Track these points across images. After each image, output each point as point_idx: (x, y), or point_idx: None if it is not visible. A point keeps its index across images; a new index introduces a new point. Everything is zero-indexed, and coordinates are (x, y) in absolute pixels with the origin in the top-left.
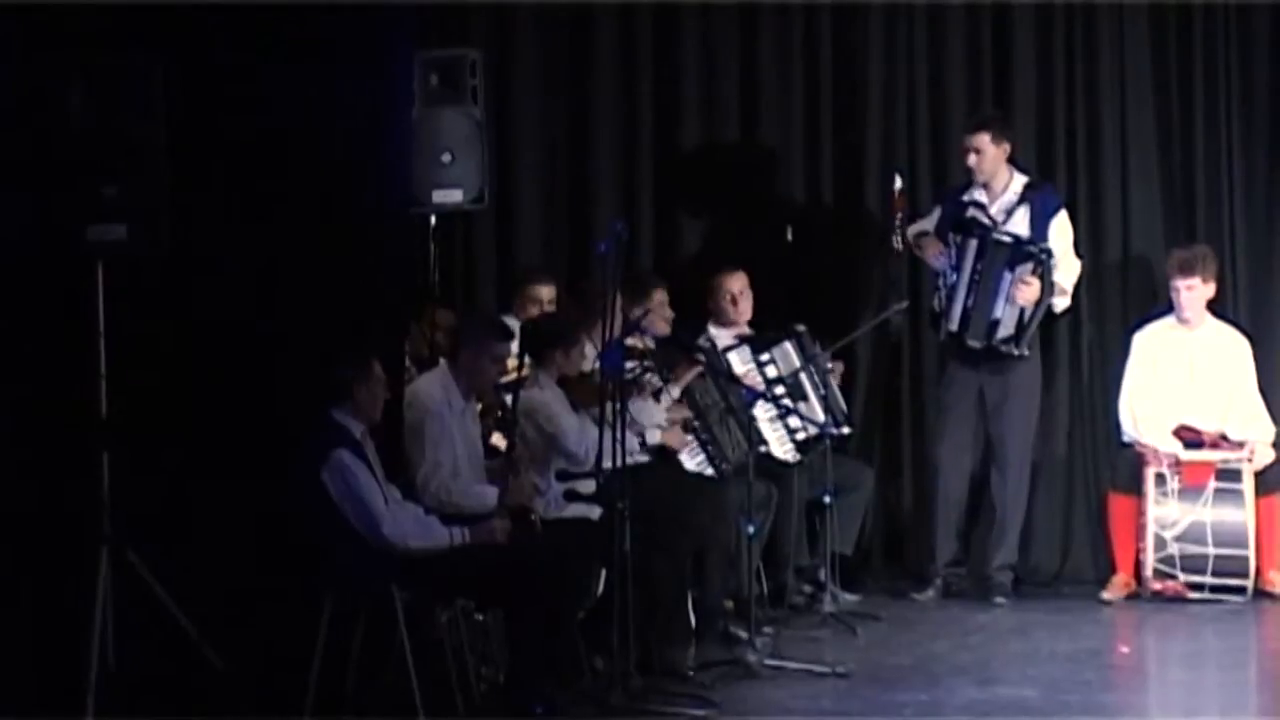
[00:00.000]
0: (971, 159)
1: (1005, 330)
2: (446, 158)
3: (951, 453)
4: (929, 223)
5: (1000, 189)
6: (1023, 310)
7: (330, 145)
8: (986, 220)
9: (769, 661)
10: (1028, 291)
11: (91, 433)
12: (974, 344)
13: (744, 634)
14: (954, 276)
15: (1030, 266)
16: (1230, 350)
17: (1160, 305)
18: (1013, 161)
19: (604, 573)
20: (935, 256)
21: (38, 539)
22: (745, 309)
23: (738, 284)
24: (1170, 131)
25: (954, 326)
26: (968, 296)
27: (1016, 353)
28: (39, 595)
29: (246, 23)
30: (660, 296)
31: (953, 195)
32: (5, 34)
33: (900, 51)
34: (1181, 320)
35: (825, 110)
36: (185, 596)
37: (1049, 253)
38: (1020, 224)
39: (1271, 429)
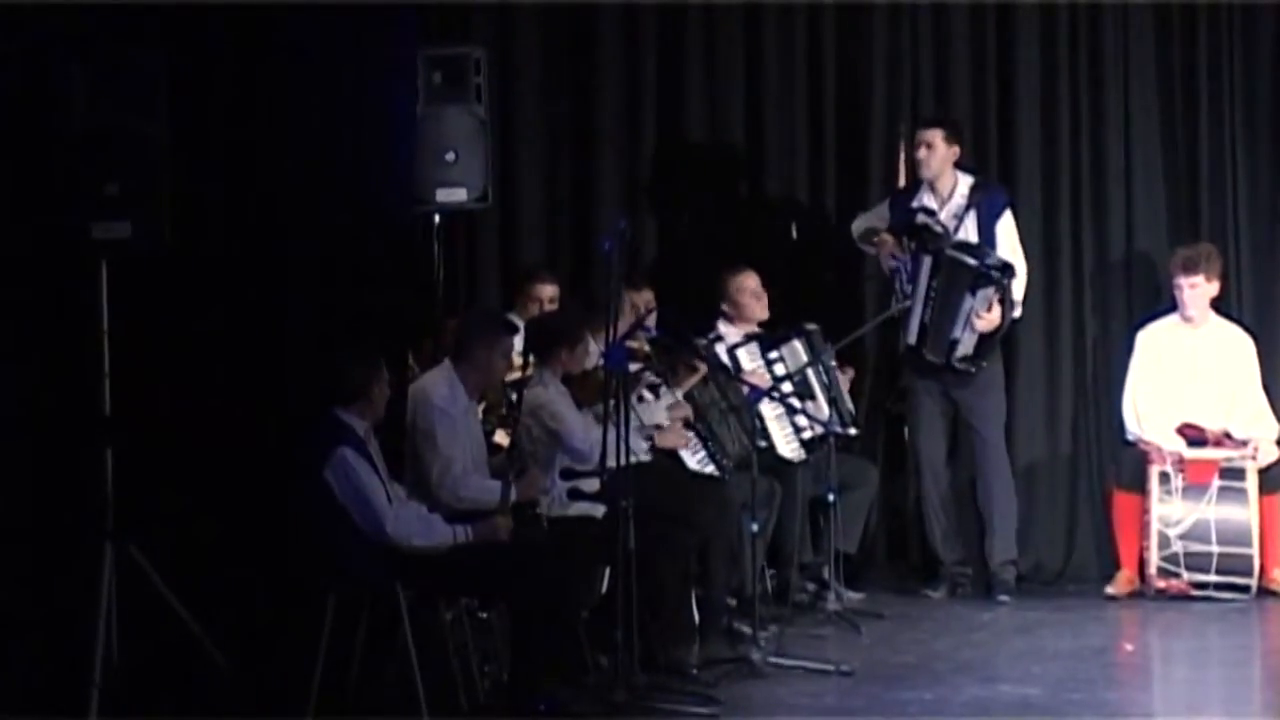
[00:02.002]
0: (922, 152)
1: (964, 350)
2: (450, 156)
3: (929, 457)
4: (877, 219)
5: (947, 193)
6: (981, 334)
7: (334, 143)
8: (938, 228)
9: (772, 659)
10: (989, 319)
11: (95, 429)
12: (933, 359)
13: (748, 631)
14: (909, 287)
15: (991, 292)
16: (1234, 348)
17: (1164, 303)
18: (965, 168)
19: (608, 571)
20: (888, 257)
21: (42, 536)
22: (757, 309)
23: (749, 283)
24: (1174, 130)
25: (912, 340)
26: (924, 312)
27: (974, 370)
28: (43, 592)
29: (249, 20)
30: (646, 296)
31: (901, 200)
32: (8, 31)
33: (904, 51)
34: (1185, 318)
35: (829, 108)
36: (189, 594)
37: (1010, 273)
38: (970, 230)
39: (1275, 427)
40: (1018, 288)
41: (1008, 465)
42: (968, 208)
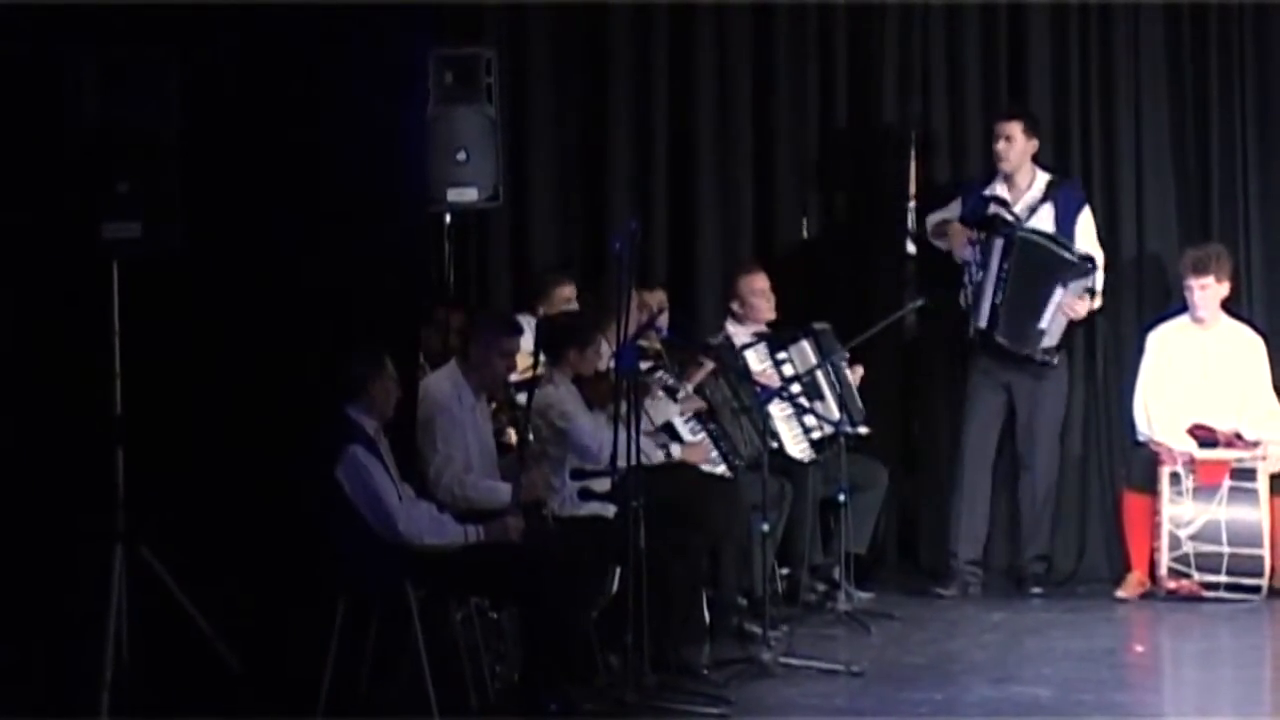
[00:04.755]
0: (1001, 145)
1: (1050, 341)
2: (461, 156)
3: (978, 451)
4: (949, 212)
5: (1025, 185)
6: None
7: (345, 143)
8: (1010, 217)
9: (783, 660)
10: (1081, 308)
11: (106, 429)
12: (1007, 344)
13: (758, 632)
14: (980, 274)
15: (1085, 283)
16: (1245, 349)
17: (1175, 304)
18: (1037, 162)
19: (618, 571)
20: (962, 246)
21: (52, 536)
22: (765, 309)
23: (759, 284)
24: (1185, 130)
25: (982, 324)
26: (995, 294)
27: (1054, 363)
28: (54, 593)
29: (261, 19)
30: (660, 296)
31: (974, 189)
32: (19, 29)
33: (916, 50)
34: (1196, 319)
35: (840, 108)
36: (199, 594)
37: (1094, 263)
38: (1045, 221)
39: None
40: (1098, 278)
41: (1057, 465)
42: (1044, 200)
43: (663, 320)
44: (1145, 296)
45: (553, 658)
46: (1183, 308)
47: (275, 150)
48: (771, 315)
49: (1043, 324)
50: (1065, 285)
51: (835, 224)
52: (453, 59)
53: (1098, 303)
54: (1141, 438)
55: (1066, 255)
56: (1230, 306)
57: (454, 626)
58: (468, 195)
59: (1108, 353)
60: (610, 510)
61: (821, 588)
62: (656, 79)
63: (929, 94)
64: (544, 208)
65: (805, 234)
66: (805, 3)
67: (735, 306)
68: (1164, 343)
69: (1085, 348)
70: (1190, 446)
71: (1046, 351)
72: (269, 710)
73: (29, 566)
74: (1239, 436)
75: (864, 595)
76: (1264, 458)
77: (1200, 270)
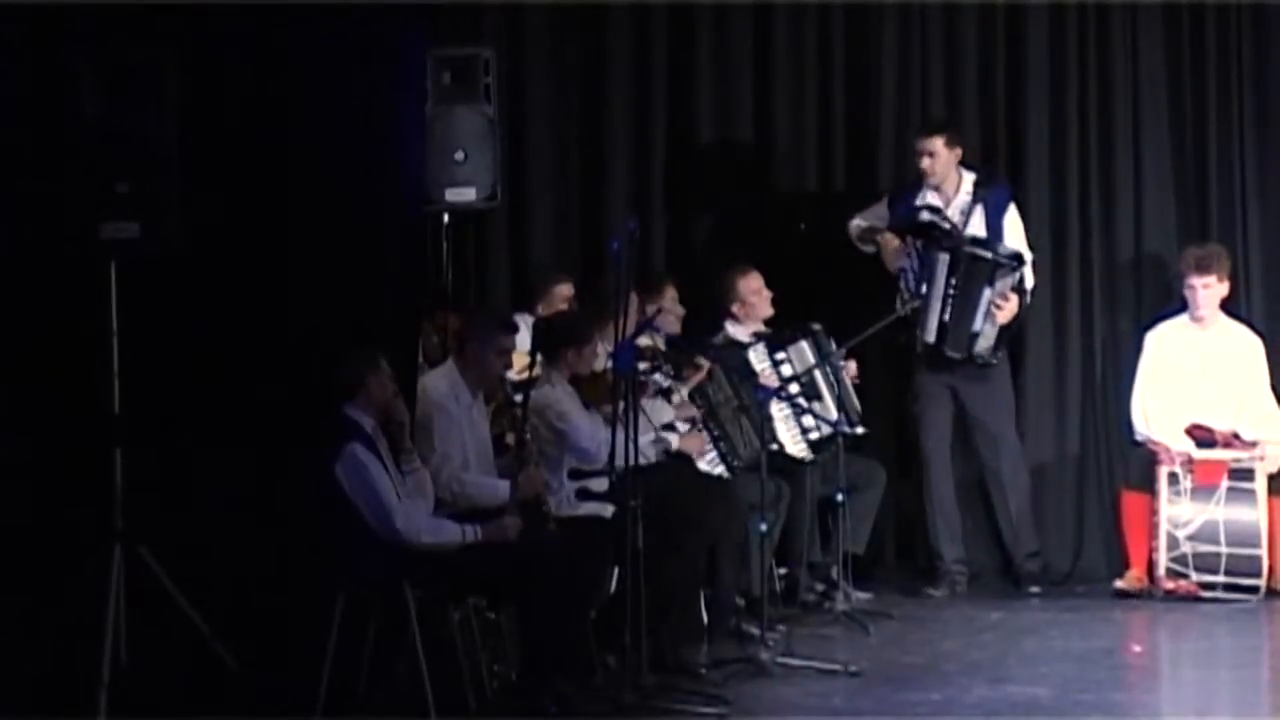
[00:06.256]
0: (925, 162)
1: (985, 343)
2: (459, 156)
3: (937, 455)
4: (875, 218)
5: (952, 191)
6: (1001, 325)
7: (343, 143)
8: (946, 225)
9: (781, 659)
10: (1008, 309)
11: (105, 429)
12: (954, 355)
13: (756, 632)
14: (924, 287)
15: (1009, 281)
16: (1243, 349)
17: (1173, 304)
18: (965, 164)
19: (616, 571)
20: (898, 255)
21: (51, 535)
22: (761, 308)
23: (753, 283)
24: (1184, 130)
25: (930, 339)
26: (944, 311)
27: (994, 362)
28: (52, 592)
29: (260, 19)
30: (671, 293)
31: (904, 198)
32: (18, 30)
33: (914, 51)
34: (1195, 319)
35: (838, 109)
36: (198, 593)
37: (1022, 261)
38: (977, 225)
39: None
40: (1028, 275)
41: (1024, 459)
42: (974, 203)
43: (679, 313)
44: (1144, 296)
45: (550, 658)
46: (1181, 307)
47: (274, 150)
48: (770, 311)
49: (976, 326)
50: (991, 285)
51: (833, 225)
52: (451, 59)
53: (1027, 300)
54: (1139, 437)
55: (988, 255)
56: (1229, 307)
57: (452, 626)
58: (466, 195)
59: (1106, 352)
60: (608, 510)
61: (820, 588)
62: (655, 79)
63: (927, 94)
64: (542, 207)
65: (802, 228)
66: (805, 3)
67: (735, 308)
68: (1162, 342)
69: (1083, 347)
70: (1188, 446)
71: (984, 353)
72: (267, 710)
73: (29, 566)
74: (1237, 437)
75: (862, 595)
76: (1262, 458)
77: (1203, 269)
